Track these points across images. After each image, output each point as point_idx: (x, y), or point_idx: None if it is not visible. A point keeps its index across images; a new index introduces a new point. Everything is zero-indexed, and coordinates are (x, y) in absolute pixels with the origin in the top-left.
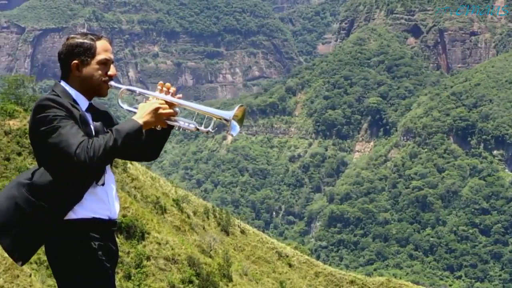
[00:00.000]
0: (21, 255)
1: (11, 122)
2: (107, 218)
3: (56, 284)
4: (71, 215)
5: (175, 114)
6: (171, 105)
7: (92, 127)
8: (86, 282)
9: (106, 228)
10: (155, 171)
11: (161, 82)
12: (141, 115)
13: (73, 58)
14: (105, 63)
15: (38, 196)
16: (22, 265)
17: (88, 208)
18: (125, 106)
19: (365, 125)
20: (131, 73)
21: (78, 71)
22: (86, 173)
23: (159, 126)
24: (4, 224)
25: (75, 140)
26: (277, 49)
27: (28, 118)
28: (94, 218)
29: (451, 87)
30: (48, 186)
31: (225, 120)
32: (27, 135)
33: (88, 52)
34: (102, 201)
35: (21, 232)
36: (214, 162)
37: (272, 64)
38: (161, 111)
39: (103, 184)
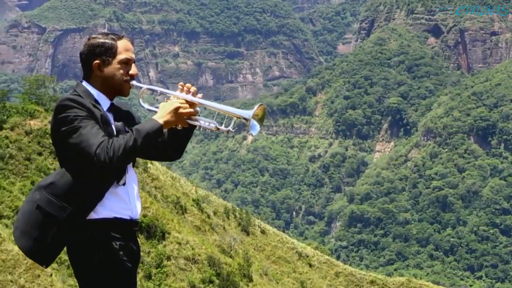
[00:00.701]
0: (44, 257)
1: (32, 122)
2: (128, 218)
3: (77, 284)
4: (93, 215)
5: (195, 113)
6: (191, 104)
7: (113, 127)
8: (107, 282)
9: (127, 228)
10: (176, 171)
11: (181, 83)
12: (162, 114)
13: (95, 58)
14: (126, 63)
15: (59, 197)
16: (46, 267)
17: (110, 208)
18: (146, 106)
19: (385, 125)
20: (152, 73)
21: (100, 71)
22: (106, 173)
23: (179, 126)
24: (25, 228)
25: (95, 140)
26: (298, 49)
27: (49, 118)
28: (115, 218)
29: (472, 87)
30: (69, 186)
31: (245, 119)
32: (48, 135)
33: (110, 51)
34: (124, 201)
35: (43, 234)
36: (234, 162)
37: (292, 64)
38: (181, 110)
39: (124, 184)
